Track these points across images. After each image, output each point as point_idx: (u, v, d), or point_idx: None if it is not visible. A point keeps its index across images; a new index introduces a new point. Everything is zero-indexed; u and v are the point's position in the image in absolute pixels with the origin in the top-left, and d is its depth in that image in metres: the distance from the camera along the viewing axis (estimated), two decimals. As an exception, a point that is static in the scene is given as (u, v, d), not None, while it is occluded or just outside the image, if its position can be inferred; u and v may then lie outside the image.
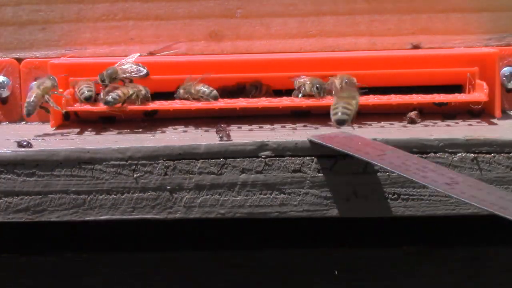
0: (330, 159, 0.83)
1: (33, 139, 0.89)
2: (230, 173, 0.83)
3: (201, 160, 0.83)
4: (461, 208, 0.83)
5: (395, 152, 0.79)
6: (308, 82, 0.93)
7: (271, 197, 0.83)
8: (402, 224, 0.90)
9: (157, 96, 0.96)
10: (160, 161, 0.83)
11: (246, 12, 1.00)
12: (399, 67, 0.96)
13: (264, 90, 0.96)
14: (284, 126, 0.93)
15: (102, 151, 0.83)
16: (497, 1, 0.99)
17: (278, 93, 0.96)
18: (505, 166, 0.83)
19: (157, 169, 0.83)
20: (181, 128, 0.94)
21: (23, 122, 1.00)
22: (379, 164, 0.77)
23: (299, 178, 0.83)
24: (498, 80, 0.96)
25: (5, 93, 1.00)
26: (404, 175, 0.74)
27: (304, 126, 0.93)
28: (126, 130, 0.93)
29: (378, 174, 0.83)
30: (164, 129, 0.93)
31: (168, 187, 0.83)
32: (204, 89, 0.93)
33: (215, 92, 0.93)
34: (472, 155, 0.83)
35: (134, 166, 0.83)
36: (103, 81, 0.93)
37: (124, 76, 0.93)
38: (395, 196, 0.83)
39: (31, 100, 0.91)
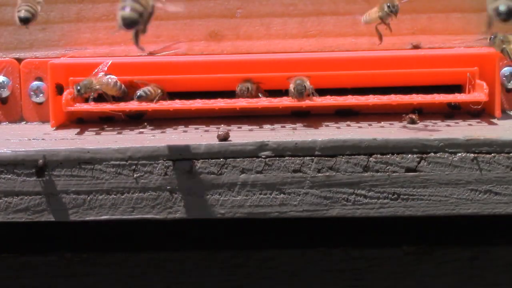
0: (330, 158, 0.83)
1: (33, 139, 0.89)
2: (230, 173, 0.83)
3: (201, 160, 0.83)
4: (461, 208, 0.83)
5: None
6: (292, 84, 0.93)
7: (271, 197, 0.83)
8: (402, 224, 0.90)
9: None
10: (160, 161, 0.83)
11: (246, 12, 1.00)
12: (399, 67, 0.96)
13: (255, 88, 0.96)
14: (284, 126, 0.93)
15: (102, 151, 0.83)
16: (497, 1, 0.99)
17: (278, 93, 0.96)
18: (505, 166, 0.83)
19: (157, 169, 0.83)
20: (181, 128, 0.94)
21: (23, 122, 1.00)
22: None
23: (299, 178, 0.83)
24: (498, 80, 0.96)
25: (5, 93, 1.00)
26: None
27: (304, 126, 0.93)
28: (126, 130, 0.93)
29: (378, 174, 0.83)
30: (164, 129, 0.93)
31: (168, 187, 0.83)
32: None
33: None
34: (472, 155, 0.83)
35: (134, 166, 0.83)
36: (79, 91, 0.93)
37: (97, 88, 0.93)
38: (395, 196, 0.83)
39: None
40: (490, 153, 0.83)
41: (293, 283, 0.94)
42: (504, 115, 0.97)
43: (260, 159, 0.83)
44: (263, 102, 0.94)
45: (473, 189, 0.83)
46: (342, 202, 0.83)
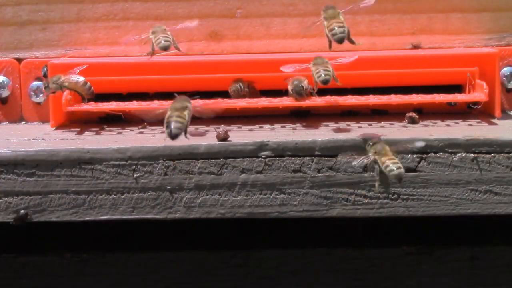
0: (330, 158, 0.83)
1: (33, 139, 0.89)
2: (230, 173, 0.83)
3: (201, 160, 0.83)
4: (461, 208, 0.83)
5: None
6: (290, 85, 0.93)
7: (271, 197, 0.83)
8: (402, 224, 0.90)
9: (157, 96, 0.96)
10: (160, 161, 0.83)
11: (246, 12, 1.00)
12: (399, 67, 0.96)
13: (247, 87, 0.95)
14: (284, 126, 0.93)
15: (102, 151, 0.83)
16: (497, 1, 0.99)
17: (278, 93, 0.96)
18: (505, 166, 0.83)
19: (157, 169, 0.83)
20: (181, 128, 0.94)
21: (23, 122, 1.00)
22: None
23: (299, 178, 0.83)
24: (498, 80, 0.96)
25: (5, 93, 1.00)
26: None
27: (304, 126, 0.93)
28: (126, 130, 0.93)
29: (378, 174, 0.83)
30: (164, 129, 0.93)
31: (168, 187, 0.83)
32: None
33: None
34: (472, 155, 0.83)
35: (134, 166, 0.83)
36: (46, 86, 0.93)
37: (66, 85, 0.93)
38: (395, 196, 0.83)
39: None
40: (490, 153, 0.83)
41: (293, 283, 0.94)
42: (504, 115, 0.97)
43: (260, 159, 0.83)
44: (263, 102, 0.94)
45: (473, 189, 0.83)
46: (342, 202, 0.83)
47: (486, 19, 0.99)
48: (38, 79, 0.99)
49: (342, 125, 0.92)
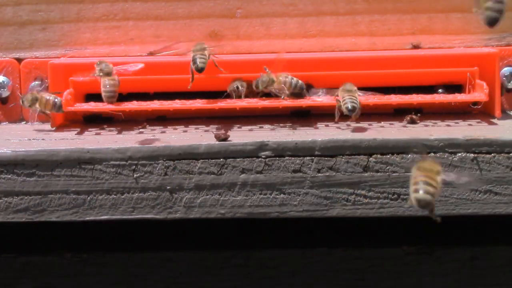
0: (330, 158, 0.83)
1: (33, 139, 0.89)
2: (230, 173, 0.83)
3: (201, 160, 0.83)
4: (461, 208, 0.83)
5: None
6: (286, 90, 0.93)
7: (271, 197, 0.83)
8: (402, 224, 0.90)
9: (157, 96, 0.96)
10: (160, 161, 0.83)
11: (246, 12, 1.00)
12: (399, 67, 0.96)
13: (246, 86, 0.95)
14: (284, 126, 0.93)
15: (102, 151, 0.83)
16: (497, 1, 0.99)
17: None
18: (505, 166, 0.83)
19: (157, 169, 0.83)
20: (181, 128, 0.94)
21: (23, 122, 1.00)
22: None
23: (299, 178, 0.83)
24: (498, 80, 0.96)
25: (5, 93, 1.00)
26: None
27: (304, 126, 0.93)
28: (126, 130, 0.93)
29: (378, 174, 0.83)
30: (164, 129, 0.93)
31: (168, 187, 0.83)
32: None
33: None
34: (472, 155, 0.83)
35: (134, 166, 0.83)
36: (22, 102, 0.95)
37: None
38: (395, 196, 0.83)
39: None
40: (490, 153, 0.83)
41: (293, 283, 0.94)
42: (504, 115, 0.97)
43: (260, 159, 0.83)
44: (263, 102, 0.94)
45: (473, 189, 0.83)
46: (342, 202, 0.83)
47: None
48: (38, 79, 0.99)
49: (342, 125, 0.92)
